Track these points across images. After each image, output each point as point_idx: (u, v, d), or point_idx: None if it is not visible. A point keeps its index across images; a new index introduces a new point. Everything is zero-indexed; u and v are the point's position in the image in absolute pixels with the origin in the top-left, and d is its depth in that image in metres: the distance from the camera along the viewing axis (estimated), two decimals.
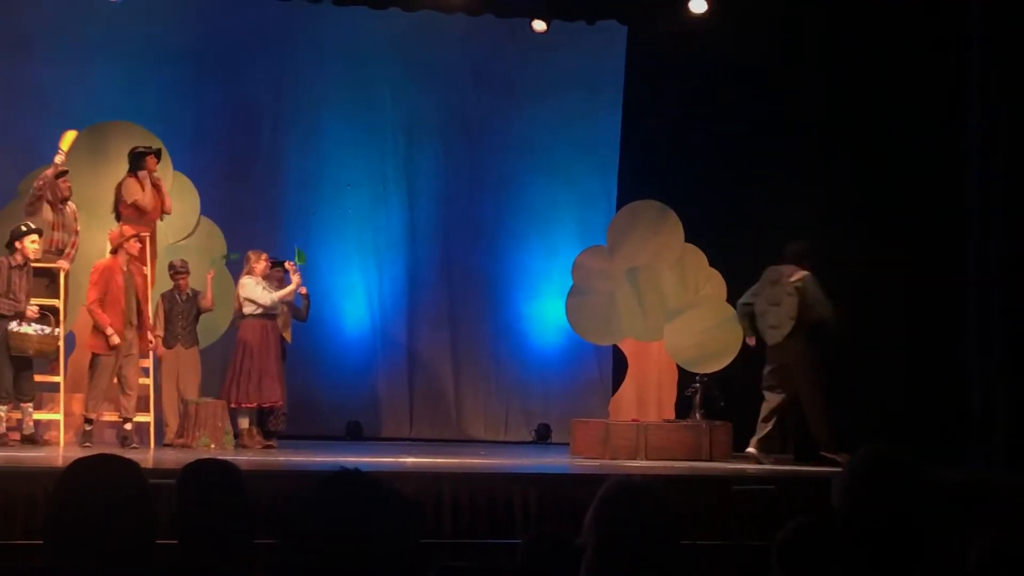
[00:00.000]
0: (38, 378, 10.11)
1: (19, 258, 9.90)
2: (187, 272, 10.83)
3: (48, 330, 9.85)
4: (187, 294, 10.85)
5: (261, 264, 10.73)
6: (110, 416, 10.31)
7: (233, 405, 10.52)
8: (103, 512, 2.71)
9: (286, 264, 10.86)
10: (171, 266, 10.83)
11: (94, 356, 10.04)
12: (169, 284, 10.90)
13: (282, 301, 10.79)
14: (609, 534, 2.56)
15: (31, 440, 9.81)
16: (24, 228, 9.98)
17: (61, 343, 10.09)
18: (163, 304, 10.82)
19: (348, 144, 12.78)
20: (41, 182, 10.39)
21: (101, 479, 2.78)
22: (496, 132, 13.02)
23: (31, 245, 9.91)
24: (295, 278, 10.71)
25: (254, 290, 10.63)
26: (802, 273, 10.26)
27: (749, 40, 11.57)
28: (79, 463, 2.83)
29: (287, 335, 11.12)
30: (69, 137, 10.49)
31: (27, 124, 11.71)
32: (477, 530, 7.29)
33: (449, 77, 12.93)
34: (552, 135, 12.97)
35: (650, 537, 2.55)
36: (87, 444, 9.93)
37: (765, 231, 12.02)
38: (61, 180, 10.43)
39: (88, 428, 10.04)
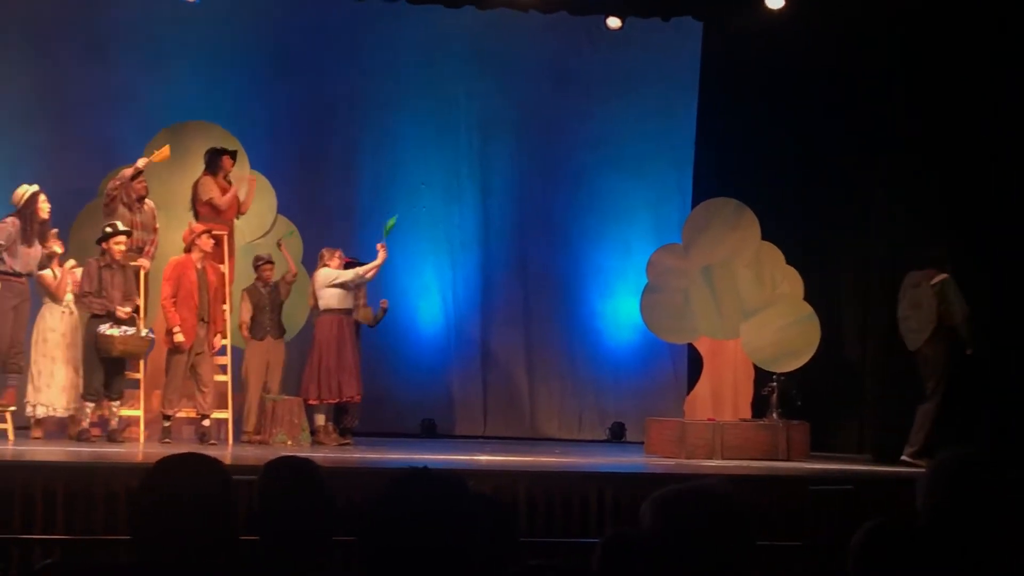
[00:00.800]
0: None
1: (108, 258, 10.07)
2: (272, 264, 10.94)
3: (133, 331, 10.00)
4: (271, 286, 10.97)
5: (335, 261, 10.83)
6: (187, 412, 10.44)
7: (312, 401, 10.60)
8: (188, 509, 2.76)
9: (378, 246, 10.86)
10: (257, 258, 10.95)
11: (168, 353, 10.19)
12: (251, 281, 11.00)
13: (363, 280, 10.82)
14: (671, 535, 2.55)
15: (113, 437, 9.97)
16: (110, 229, 10.14)
17: (147, 342, 10.21)
18: (248, 299, 10.92)
19: (422, 142, 12.83)
20: (117, 182, 10.55)
21: (187, 477, 2.83)
22: (570, 129, 13.00)
23: (116, 246, 10.08)
24: (381, 253, 10.71)
25: (333, 272, 10.68)
26: (942, 276, 10.17)
27: (826, 35, 11.48)
28: (165, 461, 2.88)
29: (366, 315, 11.15)
30: (164, 152, 10.60)
31: (107, 125, 11.88)
32: (552, 529, 7.30)
33: (523, 74, 12.94)
34: (627, 132, 12.94)
35: (707, 540, 2.53)
36: (166, 440, 10.07)
37: (842, 228, 11.95)
38: (136, 180, 10.58)
39: (167, 424, 10.18)
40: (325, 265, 10.81)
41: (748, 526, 2.51)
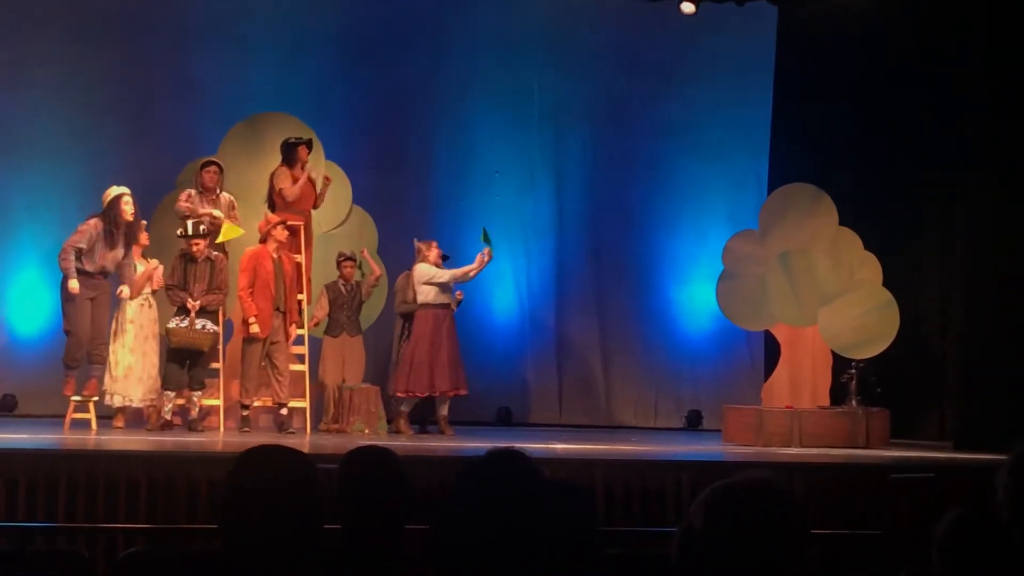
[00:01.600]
0: None
1: (189, 253, 10.22)
2: (354, 261, 11.02)
3: (201, 324, 10.09)
4: (352, 284, 11.04)
5: (433, 252, 10.85)
6: (264, 401, 10.56)
7: (400, 394, 10.65)
8: (275, 498, 2.80)
9: (485, 252, 10.89)
10: (340, 255, 11.03)
11: (244, 342, 10.31)
12: (332, 273, 11.08)
13: (461, 281, 10.89)
14: (720, 528, 2.52)
15: (193, 426, 10.11)
16: (181, 232, 10.28)
17: (207, 335, 10.27)
18: (327, 294, 11.01)
19: (496, 131, 12.86)
20: (186, 204, 10.62)
21: (273, 467, 2.87)
22: (644, 116, 12.97)
23: (194, 247, 10.22)
24: (480, 257, 10.76)
25: (431, 269, 10.74)
26: None
27: (904, 16, 11.34)
28: (252, 452, 2.92)
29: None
30: (230, 231, 10.64)
31: (186, 117, 12.06)
32: (630, 518, 7.31)
33: (597, 61, 12.91)
34: (702, 118, 12.88)
35: (767, 535, 2.50)
36: (245, 429, 10.20)
37: (922, 212, 11.82)
38: (205, 171, 10.69)
39: (245, 413, 10.30)
40: (424, 258, 10.82)
41: (798, 514, 2.50)
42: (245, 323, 10.24)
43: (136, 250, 10.42)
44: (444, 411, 10.74)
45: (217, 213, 10.60)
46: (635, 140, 12.96)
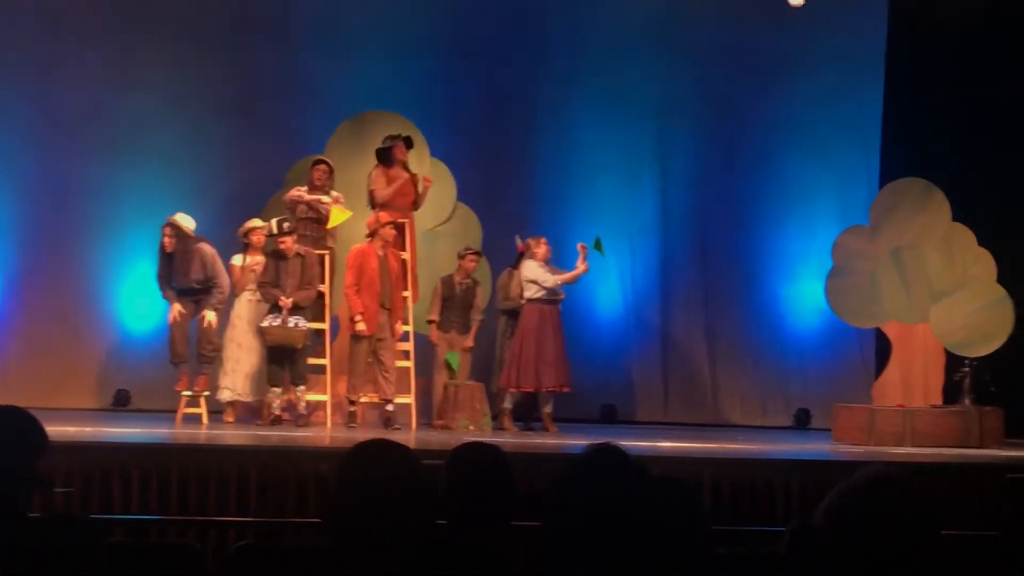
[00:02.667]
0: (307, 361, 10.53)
1: (279, 251, 10.35)
2: (478, 255, 11.03)
3: (293, 322, 10.19)
4: (467, 283, 11.06)
5: (542, 249, 10.81)
6: (370, 398, 10.64)
7: (511, 389, 10.67)
8: (382, 493, 2.81)
9: (577, 246, 10.90)
10: (466, 248, 11.06)
11: (351, 339, 10.40)
12: (437, 270, 11.10)
13: (565, 284, 10.84)
14: (852, 526, 2.46)
15: (300, 422, 10.23)
16: (267, 232, 10.41)
17: (321, 332, 10.40)
18: (442, 288, 11.05)
19: (600, 127, 12.82)
20: (293, 198, 10.75)
21: (382, 462, 2.88)
22: (751, 110, 12.84)
23: (280, 245, 10.33)
24: (581, 264, 10.73)
25: (537, 271, 10.74)
26: None
27: (1017, 7, 11.11)
28: (361, 447, 2.94)
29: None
30: (338, 216, 10.76)
31: (292, 116, 12.20)
32: (738, 517, 7.25)
33: (703, 55, 12.81)
34: (810, 112, 12.72)
35: (899, 535, 2.43)
36: (352, 425, 10.29)
37: None
38: (314, 168, 10.80)
39: (352, 410, 10.39)
40: (532, 255, 10.80)
41: (928, 510, 2.44)
42: (352, 320, 10.32)
43: (253, 251, 10.59)
44: (548, 408, 10.74)
45: (325, 199, 10.72)
46: (741, 135, 12.84)
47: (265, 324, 10.23)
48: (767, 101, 12.78)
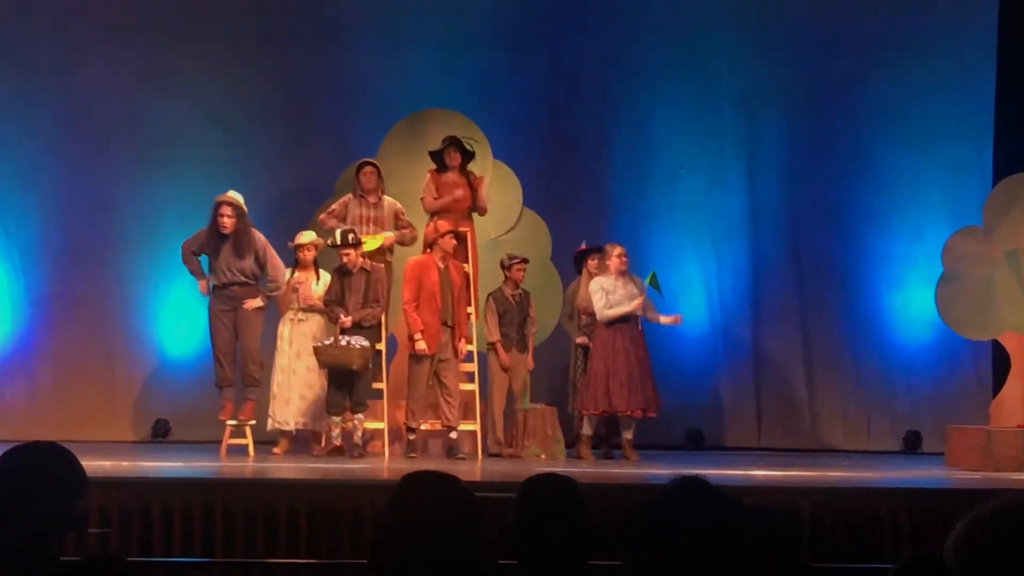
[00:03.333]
0: None
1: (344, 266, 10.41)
2: (526, 262, 10.95)
3: (346, 340, 10.19)
4: (519, 295, 11.01)
5: (613, 261, 10.66)
6: (432, 425, 10.65)
7: (584, 412, 10.62)
8: (428, 533, 2.80)
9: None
10: (510, 257, 10.95)
11: (410, 360, 10.38)
12: (495, 281, 11.12)
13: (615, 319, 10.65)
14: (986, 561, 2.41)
15: (355, 452, 10.24)
16: (330, 242, 10.46)
17: (355, 351, 10.38)
18: (494, 305, 10.94)
19: (679, 122, 12.80)
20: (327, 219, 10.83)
21: (427, 498, 2.88)
22: (847, 101, 12.77)
23: (344, 257, 10.38)
24: (636, 301, 10.59)
25: (595, 298, 10.60)
26: None
27: None
28: (406, 481, 2.93)
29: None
30: (371, 244, 10.79)
31: (341, 118, 12.30)
32: (839, 552, 7.19)
33: (793, 42, 12.77)
34: (914, 102, 12.63)
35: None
36: (412, 455, 10.28)
37: None
38: (361, 173, 10.85)
39: (412, 438, 10.37)
40: (607, 265, 10.70)
41: None
42: (411, 339, 10.31)
43: (301, 267, 10.66)
44: (628, 434, 10.66)
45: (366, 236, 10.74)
46: (838, 128, 12.78)
47: (318, 344, 10.27)
48: (865, 89, 12.71)
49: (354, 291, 10.36)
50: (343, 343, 10.17)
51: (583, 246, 11.17)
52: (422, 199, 10.98)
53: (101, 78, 12.20)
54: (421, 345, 10.21)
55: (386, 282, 10.59)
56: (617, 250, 10.71)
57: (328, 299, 10.42)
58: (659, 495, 2.64)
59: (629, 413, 10.50)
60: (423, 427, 10.57)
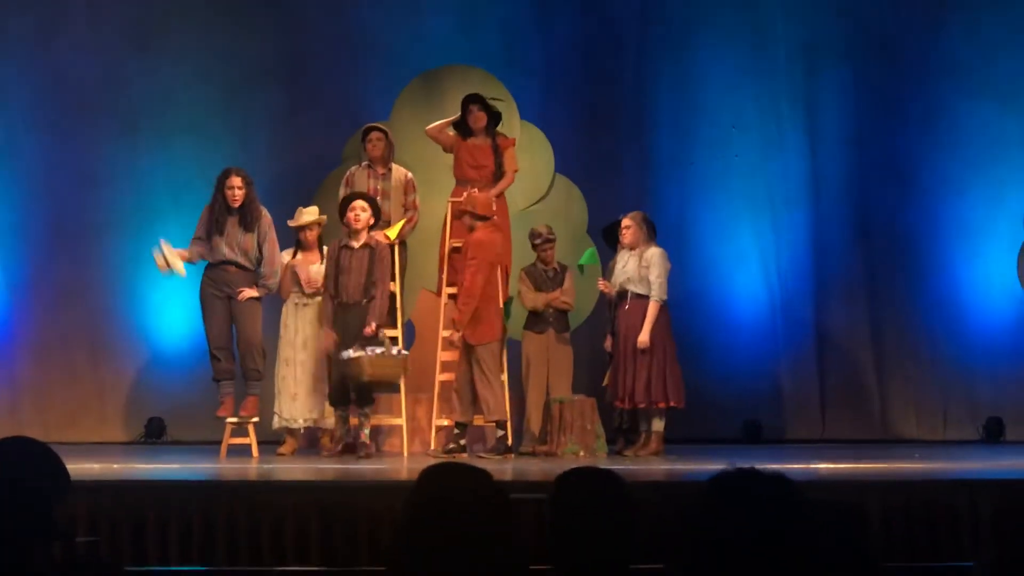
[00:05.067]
0: None
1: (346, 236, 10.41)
2: (554, 240, 11.00)
3: (382, 349, 10.13)
4: (554, 269, 11.03)
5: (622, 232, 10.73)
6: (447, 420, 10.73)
7: (618, 404, 10.64)
8: (457, 531, 2.81)
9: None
10: (534, 234, 11.01)
11: (482, 352, 10.36)
12: (531, 257, 11.11)
13: None
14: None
15: (361, 451, 10.23)
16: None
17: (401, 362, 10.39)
18: (528, 281, 11.00)
19: (731, 77, 12.80)
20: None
21: (455, 491, 2.88)
22: (919, 51, 12.76)
23: (351, 214, 10.30)
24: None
25: (665, 265, 10.61)
26: None
27: None
28: (428, 474, 2.94)
29: None
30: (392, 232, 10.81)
31: (349, 79, 12.35)
32: (915, 550, 7.18)
33: None
34: (994, 51, 12.62)
35: None
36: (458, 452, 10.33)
37: None
38: (367, 140, 10.84)
39: (458, 433, 10.40)
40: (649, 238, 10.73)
41: None
42: (489, 322, 10.36)
43: (305, 248, 10.68)
44: (656, 426, 10.64)
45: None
46: (908, 82, 12.77)
47: (362, 354, 9.98)
48: (940, 39, 12.73)
49: (354, 269, 10.29)
50: (394, 352, 10.09)
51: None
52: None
53: (80, 39, 12.25)
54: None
55: (389, 260, 10.44)
56: (623, 220, 10.70)
57: (324, 284, 10.33)
58: (707, 490, 2.64)
59: (616, 404, 10.60)
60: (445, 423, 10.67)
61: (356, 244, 10.24)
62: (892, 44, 12.79)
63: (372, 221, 10.29)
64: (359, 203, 10.24)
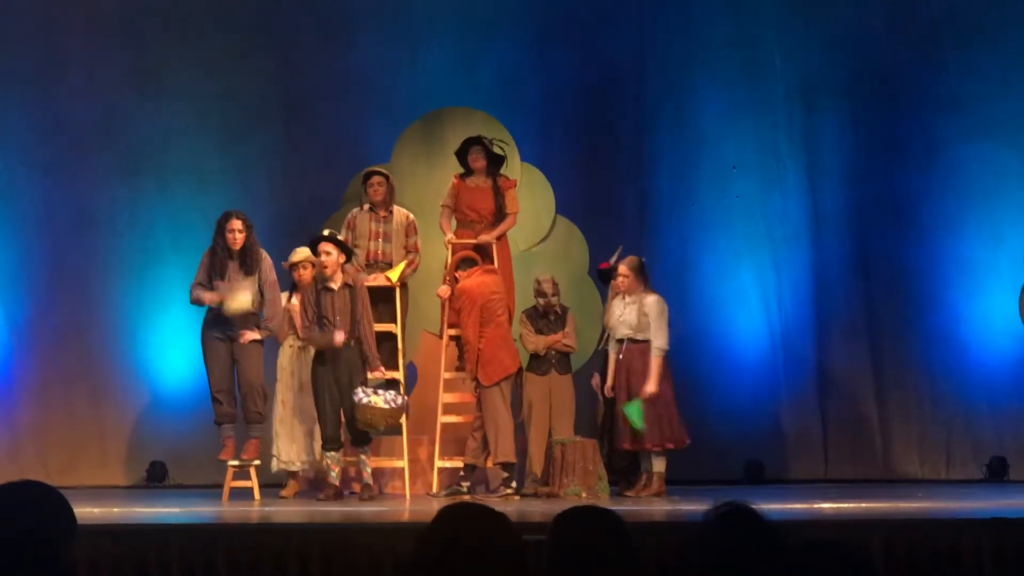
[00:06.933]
0: None
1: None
2: (557, 294, 11.02)
3: (401, 400, 10.20)
4: (556, 312, 11.07)
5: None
6: (454, 461, 10.76)
7: (625, 446, 10.69)
8: (469, 573, 2.83)
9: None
10: (538, 285, 11.00)
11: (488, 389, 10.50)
12: (527, 297, 11.13)
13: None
14: None
15: (364, 494, 10.26)
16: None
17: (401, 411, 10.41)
18: (528, 324, 11.05)
19: (730, 117, 12.80)
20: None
21: (471, 532, 2.90)
22: (918, 88, 12.77)
23: (322, 257, 10.31)
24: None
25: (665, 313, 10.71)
26: None
27: None
28: (444, 514, 2.96)
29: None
30: (393, 274, 10.88)
31: (349, 119, 12.37)
32: None
33: (856, 23, 12.77)
34: (992, 90, 12.59)
35: None
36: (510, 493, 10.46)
37: None
38: (367, 184, 10.89)
39: (507, 475, 10.54)
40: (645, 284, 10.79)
41: None
42: (497, 362, 10.51)
43: (300, 289, 10.70)
44: (657, 467, 10.67)
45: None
46: (907, 120, 12.77)
47: (379, 402, 10.07)
48: (938, 76, 12.71)
49: (338, 311, 10.28)
50: (400, 402, 10.18)
51: (604, 263, 11.14)
52: (442, 206, 11.06)
53: (80, 80, 12.29)
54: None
55: (367, 297, 10.46)
56: (620, 268, 10.72)
57: (306, 323, 10.33)
58: (697, 529, 2.67)
59: (623, 447, 10.66)
60: (448, 464, 10.69)
61: (335, 285, 10.28)
62: (891, 82, 12.80)
63: (343, 259, 10.33)
64: (323, 246, 10.26)
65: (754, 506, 2.83)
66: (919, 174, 12.74)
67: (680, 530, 7.70)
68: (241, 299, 10.34)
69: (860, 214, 12.83)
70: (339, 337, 10.16)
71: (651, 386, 10.46)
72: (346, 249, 10.39)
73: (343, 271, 10.33)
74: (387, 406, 10.08)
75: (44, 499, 3.48)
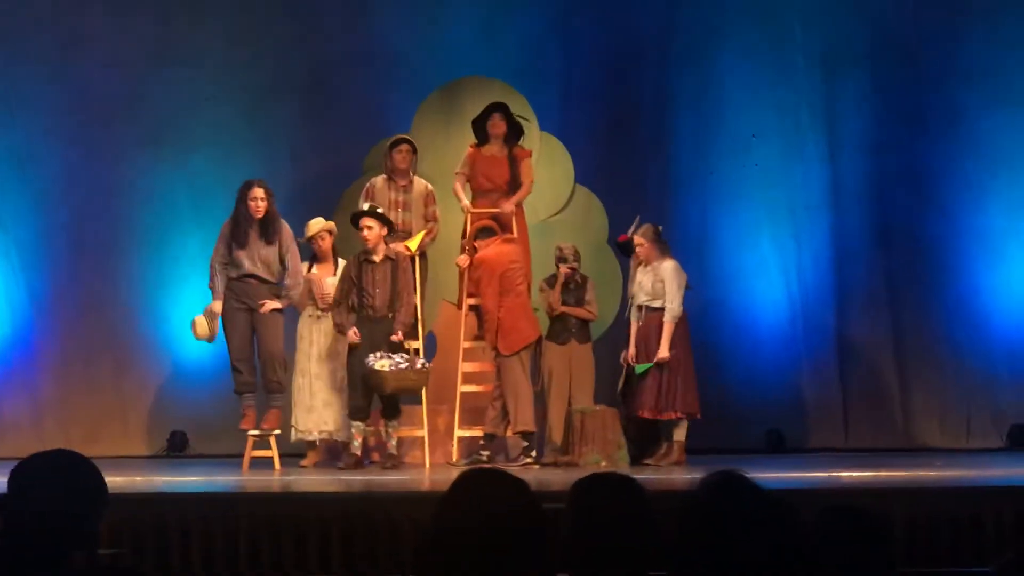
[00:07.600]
0: None
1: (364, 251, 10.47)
2: (579, 260, 11.03)
3: (407, 364, 10.22)
4: (576, 281, 11.06)
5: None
6: (472, 431, 10.80)
7: (643, 414, 10.70)
8: (491, 538, 2.81)
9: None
10: (560, 253, 11.03)
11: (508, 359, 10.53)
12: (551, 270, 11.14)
13: None
14: None
15: (387, 463, 10.30)
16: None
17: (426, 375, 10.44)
18: (547, 289, 11.08)
19: (751, 86, 12.76)
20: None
21: (487, 500, 2.89)
22: (939, 57, 12.71)
23: (365, 231, 10.39)
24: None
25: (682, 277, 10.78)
26: None
27: None
28: (462, 480, 2.95)
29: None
30: (412, 243, 10.88)
31: (370, 89, 12.35)
32: (938, 556, 7.19)
33: None
34: (1015, 60, 12.55)
35: None
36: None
37: None
38: (394, 151, 10.88)
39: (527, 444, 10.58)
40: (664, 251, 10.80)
41: None
42: (517, 331, 10.55)
43: (319, 259, 10.72)
44: (677, 435, 10.69)
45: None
46: (928, 89, 12.71)
47: (385, 367, 10.16)
48: (960, 45, 12.66)
49: (379, 283, 10.35)
50: (418, 366, 10.20)
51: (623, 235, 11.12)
52: (456, 173, 11.05)
53: (101, 50, 12.29)
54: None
55: (411, 271, 10.54)
56: (636, 238, 10.78)
57: (337, 297, 10.43)
58: (693, 496, 2.66)
59: (639, 414, 10.71)
60: (467, 433, 10.73)
61: (377, 258, 10.30)
62: (912, 50, 12.74)
63: (384, 232, 10.34)
64: (364, 221, 10.31)
65: (747, 474, 2.81)
66: (941, 143, 12.70)
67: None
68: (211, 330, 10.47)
69: (881, 184, 12.79)
70: (351, 336, 10.23)
71: (664, 352, 10.47)
72: (387, 222, 10.40)
73: (384, 242, 10.34)
74: (389, 370, 10.10)
75: (77, 469, 3.50)
